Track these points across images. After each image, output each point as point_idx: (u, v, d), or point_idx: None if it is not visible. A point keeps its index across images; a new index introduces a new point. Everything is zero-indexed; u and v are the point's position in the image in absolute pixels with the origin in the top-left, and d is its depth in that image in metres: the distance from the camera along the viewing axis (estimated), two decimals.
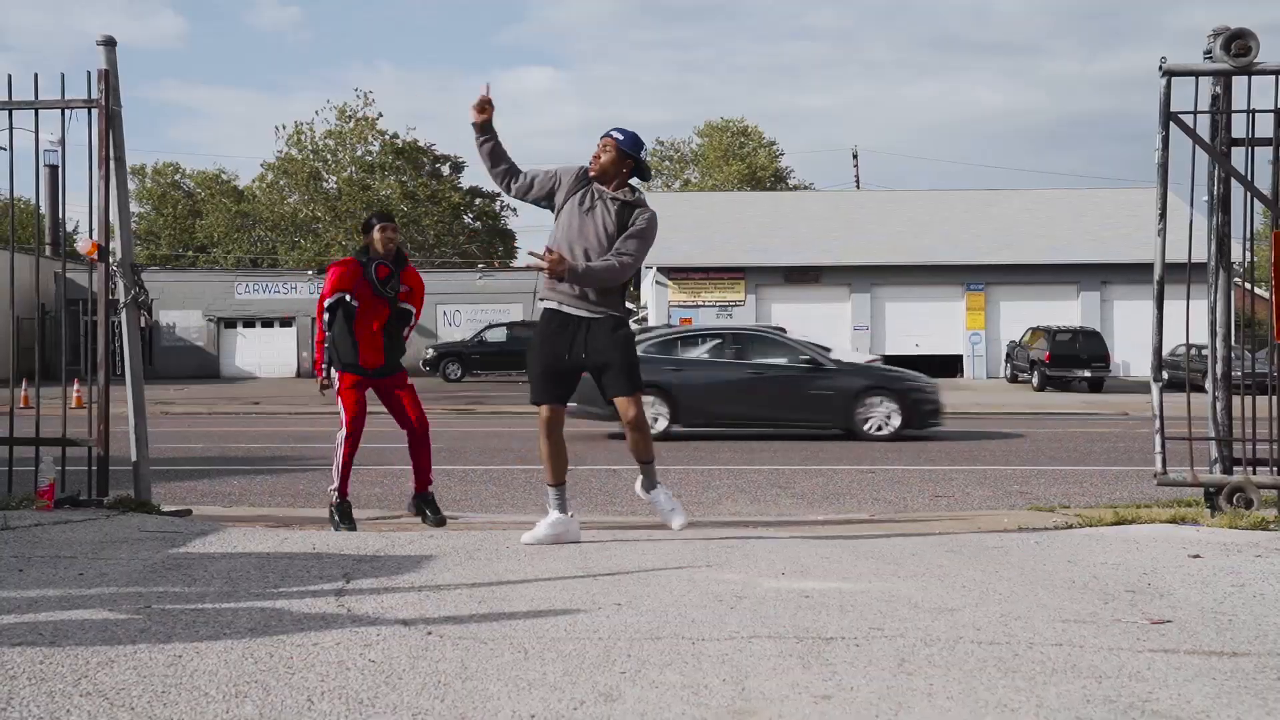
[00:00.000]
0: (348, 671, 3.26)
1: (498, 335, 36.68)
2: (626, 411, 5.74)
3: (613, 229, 5.70)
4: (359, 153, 58.42)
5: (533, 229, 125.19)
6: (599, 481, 10.45)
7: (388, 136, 58.28)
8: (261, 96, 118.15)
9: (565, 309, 5.72)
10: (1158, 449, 6.37)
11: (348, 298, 6.82)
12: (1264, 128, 6.30)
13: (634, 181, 5.87)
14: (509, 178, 5.96)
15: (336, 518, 6.77)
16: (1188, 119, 6.28)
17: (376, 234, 6.90)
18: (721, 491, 9.85)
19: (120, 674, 3.22)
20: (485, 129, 5.87)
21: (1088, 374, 31.27)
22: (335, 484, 6.79)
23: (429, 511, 6.98)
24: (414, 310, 7.12)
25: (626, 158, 5.77)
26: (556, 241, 5.77)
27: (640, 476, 5.98)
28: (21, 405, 21.23)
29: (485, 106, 5.84)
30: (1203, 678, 3.18)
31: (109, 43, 6.66)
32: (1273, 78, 6.21)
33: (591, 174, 5.79)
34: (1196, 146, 6.30)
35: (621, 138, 5.76)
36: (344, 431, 6.76)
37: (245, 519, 7.17)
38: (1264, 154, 6.36)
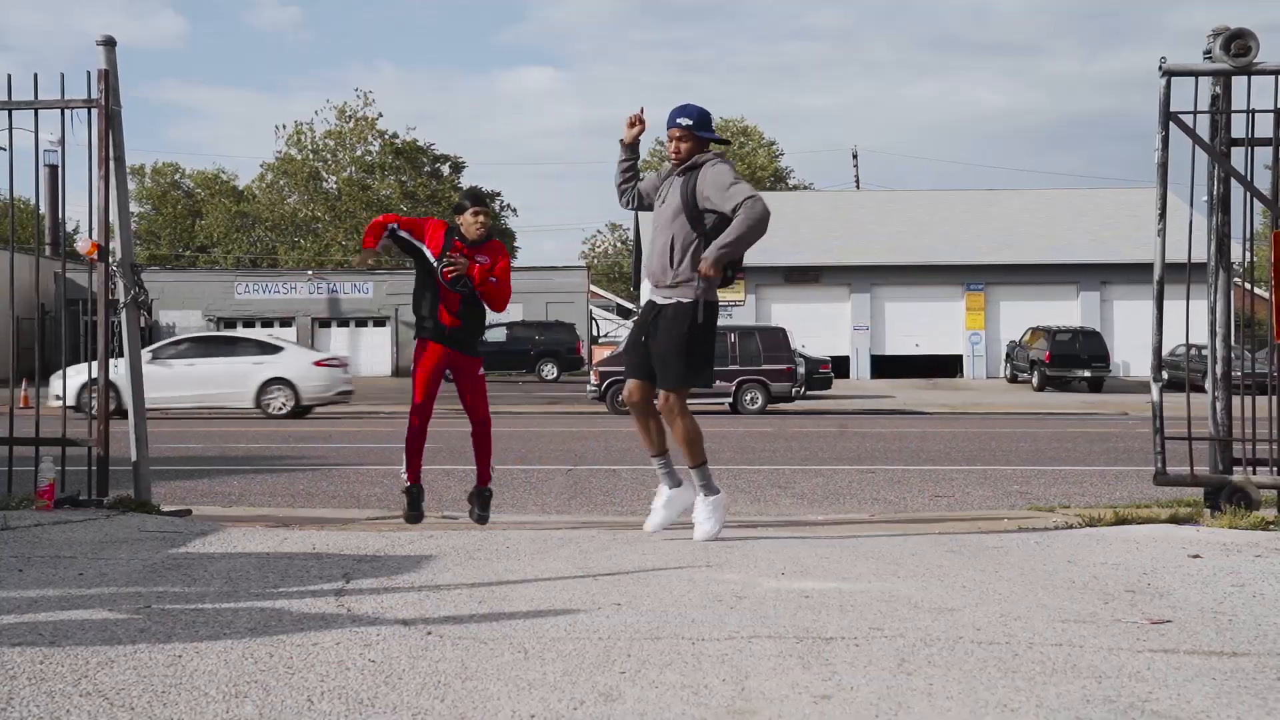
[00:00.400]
0: (348, 671, 3.26)
1: (497, 335, 36.66)
2: (659, 403, 5.75)
3: (678, 201, 5.65)
4: (359, 153, 58.46)
5: (533, 229, 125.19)
6: (599, 481, 10.46)
7: (387, 136, 58.32)
8: (261, 96, 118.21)
9: (652, 297, 5.81)
10: (1157, 449, 6.37)
11: (425, 251, 6.46)
12: (1264, 128, 6.30)
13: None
14: (626, 194, 6.04)
15: (406, 505, 6.65)
16: (1187, 119, 6.28)
17: (468, 217, 6.47)
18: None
19: (120, 674, 3.22)
20: (634, 148, 5.94)
21: (1087, 374, 31.30)
22: (402, 469, 6.63)
23: (476, 508, 6.77)
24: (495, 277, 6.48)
25: (704, 140, 5.73)
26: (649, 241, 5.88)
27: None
28: (21, 405, 21.23)
29: (639, 123, 5.87)
30: (1203, 678, 3.18)
31: (109, 43, 6.66)
32: (1272, 78, 6.21)
33: (677, 166, 5.76)
34: (1196, 146, 6.30)
35: (691, 121, 5.67)
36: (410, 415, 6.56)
37: (245, 519, 7.17)
38: (1264, 154, 6.36)
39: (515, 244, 67.15)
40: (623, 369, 5.92)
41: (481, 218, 6.46)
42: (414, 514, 6.63)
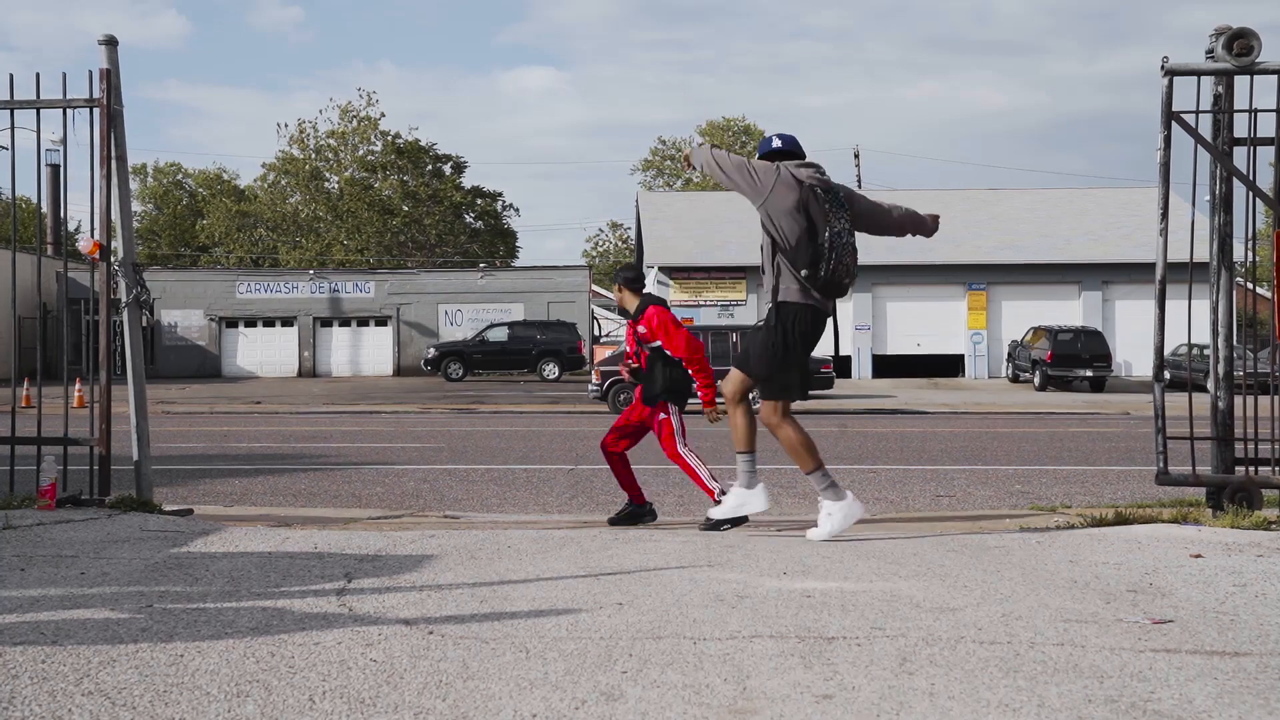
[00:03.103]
0: (349, 671, 3.26)
1: (499, 335, 36.66)
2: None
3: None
4: (361, 152, 58.46)
5: (535, 229, 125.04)
6: (601, 481, 10.45)
7: (390, 136, 58.32)
8: (263, 96, 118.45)
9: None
10: (1159, 448, 6.37)
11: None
12: (1266, 127, 6.29)
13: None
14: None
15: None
16: (1190, 118, 6.27)
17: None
18: None
19: (122, 673, 3.22)
20: None
21: (1089, 374, 31.27)
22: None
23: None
24: (659, 342, 7.26)
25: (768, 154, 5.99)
26: None
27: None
28: (23, 405, 21.25)
29: None
30: (1204, 677, 3.18)
31: (110, 42, 6.66)
32: (1274, 77, 6.20)
33: None
34: (1199, 146, 6.29)
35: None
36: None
37: (246, 518, 7.17)
38: (1266, 153, 6.36)
39: (517, 244, 67.22)
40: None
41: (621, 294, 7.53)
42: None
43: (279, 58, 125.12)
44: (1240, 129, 6.34)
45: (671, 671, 3.26)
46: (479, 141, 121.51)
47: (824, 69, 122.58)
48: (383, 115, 58.34)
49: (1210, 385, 6.49)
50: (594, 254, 76.04)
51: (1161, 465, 6.35)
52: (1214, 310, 6.38)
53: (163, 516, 6.46)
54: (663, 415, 7.28)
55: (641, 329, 7.33)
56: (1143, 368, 35.99)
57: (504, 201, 64.59)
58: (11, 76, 6.65)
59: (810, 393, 27.57)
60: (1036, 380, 32.11)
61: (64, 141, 6.93)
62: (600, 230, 78.26)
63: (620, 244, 74.96)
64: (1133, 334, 35.73)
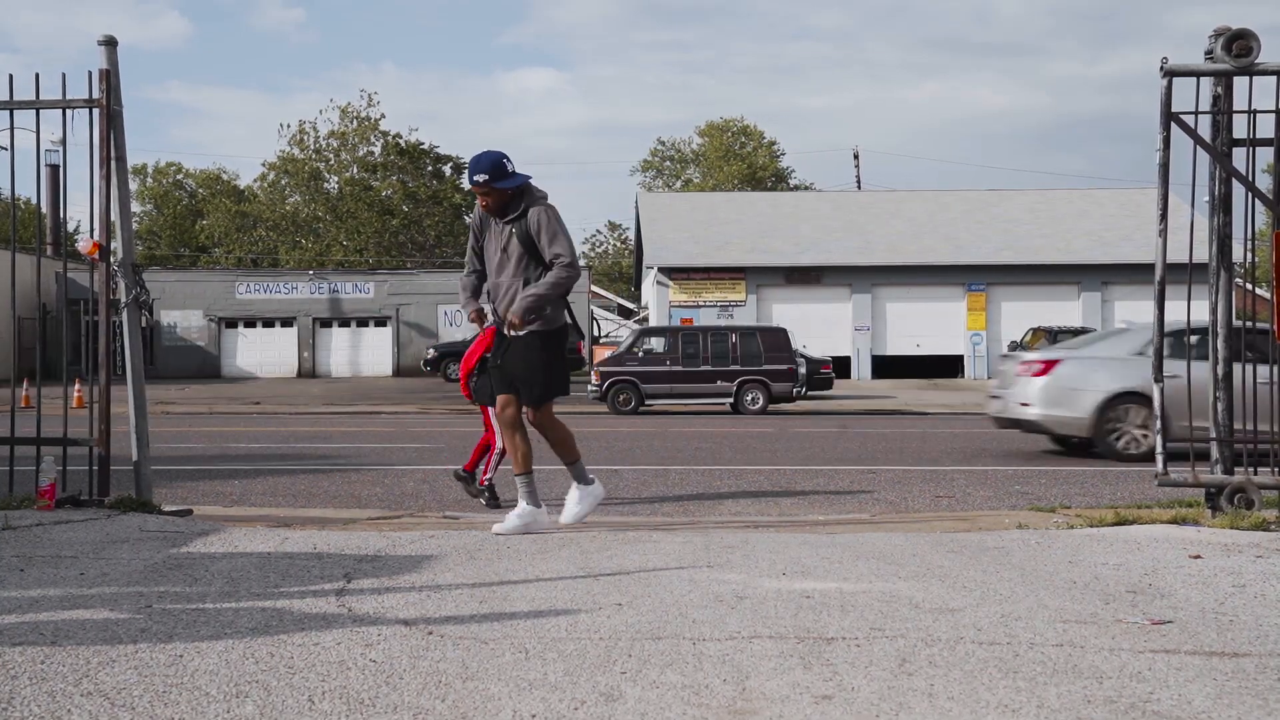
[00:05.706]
0: (349, 671, 3.26)
1: None
2: (530, 418, 6.54)
3: (520, 249, 6.13)
4: (361, 153, 58.47)
5: None
6: (601, 481, 10.44)
7: (390, 137, 58.33)
8: (265, 97, 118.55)
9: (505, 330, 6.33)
10: (1159, 450, 6.37)
11: None
12: (1265, 128, 6.30)
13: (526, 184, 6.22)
14: (472, 275, 6.56)
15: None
16: (1189, 119, 6.27)
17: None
18: (722, 491, 9.85)
19: (121, 674, 3.22)
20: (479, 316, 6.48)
21: None
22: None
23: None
24: None
25: (506, 189, 6.11)
26: (489, 279, 6.37)
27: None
28: (23, 405, 21.24)
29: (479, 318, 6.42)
30: (1204, 678, 3.18)
31: (110, 42, 6.66)
32: (1274, 78, 6.20)
33: (498, 216, 6.22)
34: (1198, 147, 6.30)
35: (486, 175, 6.07)
36: None
37: (246, 519, 7.17)
38: (1265, 154, 6.36)
39: None
40: (487, 383, 6.50)
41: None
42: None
43: (280, 58, 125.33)
44: (1239, 130, 6.34)
45: (671, 672, 3.26)
46: (480, 142, 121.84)
47: (825, 70, 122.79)
48: (383, 116, 58.39)
49: (1209, 386, 6.49)
50: (593, 255, 76.01)
51: (1161, 466, 6.36)
52: (1213, 311, 6.38)
53: (162, 517, 6.46)
54: None
55: None
56: None
57: None
58: (11, 77, 6.65)
59: (808, 392, 27.40)
60: None
61: (63, 142, 6.92)
62: (599, 231, 78.26)
63: (619, 244, 74.94)
64: None
